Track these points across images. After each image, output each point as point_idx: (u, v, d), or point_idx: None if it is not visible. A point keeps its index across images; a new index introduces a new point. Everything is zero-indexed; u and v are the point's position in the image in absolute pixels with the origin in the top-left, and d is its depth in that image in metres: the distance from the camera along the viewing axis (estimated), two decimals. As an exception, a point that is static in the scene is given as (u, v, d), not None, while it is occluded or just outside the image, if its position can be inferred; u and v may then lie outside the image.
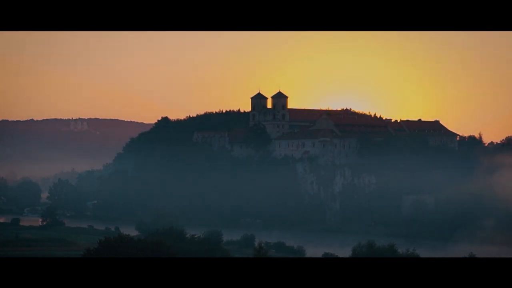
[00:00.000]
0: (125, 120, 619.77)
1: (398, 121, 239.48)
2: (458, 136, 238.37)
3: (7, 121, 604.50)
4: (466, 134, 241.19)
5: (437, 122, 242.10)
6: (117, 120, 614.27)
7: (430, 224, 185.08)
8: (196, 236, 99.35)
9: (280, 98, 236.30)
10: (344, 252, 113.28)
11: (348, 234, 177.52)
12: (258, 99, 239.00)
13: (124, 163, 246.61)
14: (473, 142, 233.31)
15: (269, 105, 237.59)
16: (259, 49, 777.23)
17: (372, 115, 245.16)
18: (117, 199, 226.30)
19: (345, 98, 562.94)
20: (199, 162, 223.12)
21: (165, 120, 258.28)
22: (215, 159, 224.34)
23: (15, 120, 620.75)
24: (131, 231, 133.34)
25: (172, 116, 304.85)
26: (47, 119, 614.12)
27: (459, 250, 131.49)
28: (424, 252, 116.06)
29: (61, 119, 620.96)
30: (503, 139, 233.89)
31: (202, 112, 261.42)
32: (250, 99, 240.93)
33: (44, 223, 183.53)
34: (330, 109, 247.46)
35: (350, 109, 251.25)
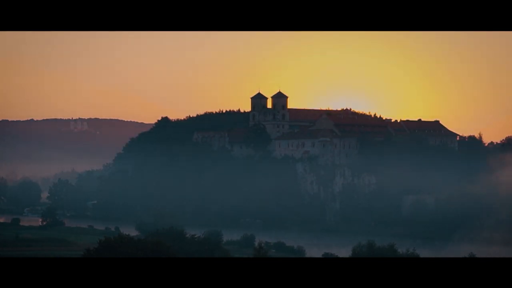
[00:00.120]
0: (125, 120, 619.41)
1: (398, 121, 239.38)
2: (458, 136, 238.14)
3: (7, 121, 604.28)
4: (466, 134, 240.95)
5: (437, 122, 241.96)
6: (117, 120, 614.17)
7: (430, 224, 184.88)
8: (196, 236, 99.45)
9: (280, 98, 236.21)
10: (344, 252, 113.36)
11: (348, 234, 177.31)
12: (258, 99, 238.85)
13: (124, 163, 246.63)
14: (473, 142, 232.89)
15: (269, 105, 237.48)
16: (259, 49, 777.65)
17: (372, 115, 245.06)
18: (117, 199, 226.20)
19: (345, 98, 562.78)
20: (199, 162, 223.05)
21: (165, 120, 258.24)
22: (215, 159, 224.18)
23: (15, 120, 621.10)
24: (131, 231, 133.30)
25: (172, 116, 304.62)
26: (47, 119, 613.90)
27: (459, 250, 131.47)
28: (424, 252, 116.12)
29: (61, 119, 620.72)
30: (503, 139, 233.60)
31: (202, 112, 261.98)
32: (250, 99, 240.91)
33: (44, 223, 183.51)
34: (330, 109, 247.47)
35: (350, 109, 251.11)
